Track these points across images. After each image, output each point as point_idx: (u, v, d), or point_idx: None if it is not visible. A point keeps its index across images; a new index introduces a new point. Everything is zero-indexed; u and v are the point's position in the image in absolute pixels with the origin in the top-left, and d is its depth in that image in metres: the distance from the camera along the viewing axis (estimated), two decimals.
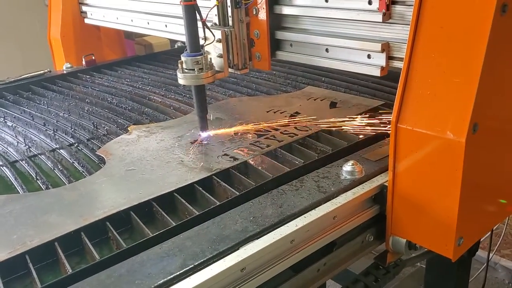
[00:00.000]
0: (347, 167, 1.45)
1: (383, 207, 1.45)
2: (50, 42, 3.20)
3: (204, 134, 1.84)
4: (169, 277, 1.08)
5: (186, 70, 1.73)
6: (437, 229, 1.34)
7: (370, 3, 1.60)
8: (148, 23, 2.63)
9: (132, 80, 2.73)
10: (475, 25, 1.20)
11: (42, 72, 2.86)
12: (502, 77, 1.29)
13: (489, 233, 2.24)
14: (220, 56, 1.82)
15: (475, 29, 1.20)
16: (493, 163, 1.40)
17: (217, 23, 1.86)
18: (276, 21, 1.91)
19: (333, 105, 2.09)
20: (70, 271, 1.17)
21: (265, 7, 1.82)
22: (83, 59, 3.00)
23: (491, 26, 1.17)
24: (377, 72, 1.66)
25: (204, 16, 1.69)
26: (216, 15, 1.84)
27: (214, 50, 1.83)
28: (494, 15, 1.17)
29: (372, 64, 1.68)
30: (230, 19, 1.83)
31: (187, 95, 2.39)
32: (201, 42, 1.75)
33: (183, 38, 2.45)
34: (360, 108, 2.01)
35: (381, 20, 1.59)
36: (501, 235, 3.12)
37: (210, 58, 1.77)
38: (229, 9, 1.82)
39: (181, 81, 1.76)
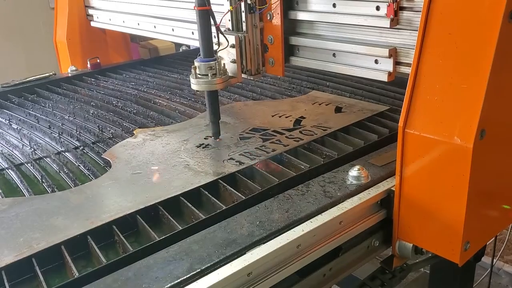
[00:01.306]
0: (353, 172, 1.46)
1: (390, 212, 1.45)
2: (56, 44, 3.21)
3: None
4: (176, 281, 1.08)
5: (199, 75, 1.73)
6: (444, 234, 1.34)
7: (378, 9, 1.61)
8: (154, 26, 2.63)
9: (137, 84, 2.74)
10: (483, 32, 1.20)
11: (47, 74, 2.87)
12: (510, 83, 1.29)
13: (493, 239, 2.24)
14: (233, 61, 1.83)
15: (483, 35, 1.20)
16: (500, 169, 1.40)
17: (231, 28, 1.86)
18: (290, 27, 1.91)
19: (338, 109, 2.09)
20: (77, 274, 1.17)
21: (279, 13, 1.82)
22: (88, 62, 3.01)
23: (498, 33, 1.18)
24: (384, 77, 1.67)
25: (218, 21, 1.69)
26: (229, 20, 1.85)
27: (227, 56, 1.83)
28: (502, 21, 1.17)
29: (379, 69, 1.69)
30: (243, 24, 1.84)
31: (192, 99, 2.39)
32: (215, 47, 1.75)
33: (190, 42, 2.49)
34: (366, 113, 2.01)
35: (388, 26, 1.59)
36: (504, 241, 3.11)
37: (224, 64, 1.78)
38: (243, 15, 1.82)
39: (194, 87, 1.76)
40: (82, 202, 1.48)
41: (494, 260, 3.02)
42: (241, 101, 2.35)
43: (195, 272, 1.10)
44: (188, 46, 3.38)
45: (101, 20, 3.07)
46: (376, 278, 1.65)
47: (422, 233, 1.40)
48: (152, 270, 1.12)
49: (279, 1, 1.81)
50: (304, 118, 2.02)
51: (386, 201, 1.45)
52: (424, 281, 2.24)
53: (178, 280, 1.08)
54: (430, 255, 1.52)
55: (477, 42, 1.22)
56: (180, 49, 3.45)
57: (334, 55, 1.82)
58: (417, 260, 1.57)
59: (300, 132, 1.88)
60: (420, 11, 1.31)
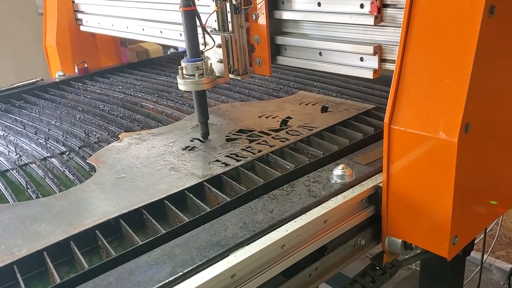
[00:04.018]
0: (338, 171, 1.45)
1: (379, 208, 1.45)
2: (46, 49, 3.19)
3: None
4: (158, 285, 1.06)
5: (187, 76, 1.73)
6: (432, 229, 1.34)
7: (362, 6, 1.60)
8: (143, 29, 2.62)
9: (124, 87, 2.72)
10: (464, 27, 1.20)
11: (34, 80, 2.85)
12: (493, 77, 1.29)
13: (483, 234, 2.24)
14: (220, 61, 1.82)
15: (465, 30, 1.20)
16: (486, 163, 1.39)
17: (217, 28, 1.86)
18: (276, 26, 1.90)
19: (324, 109, 2.08)
20: (59, 280, 1.15)
21: (264, 12, 1.81)
22: (76, 67, 2.99)
23: (479, 27, 1.17)
24: (369, 75, 1.67)
25: (203, 21, 1.68)
26: (215, 20, 1.84)
27: (214, 56, 1.83)
28: (482, 16, 1.17)
29: (364, 67, 1.68)
30: (229, 24, 1.83)
31: (179, 101, 2.38)
32: (201, 47, 1.75)
33: (178, 44, 2.48)
34: (352, 112, 2.00)
35: (373, 23, 1.59)
36: (495, 237, 3.12)
37: (211, 64, 1.77)
38: (229, 15, 1.82)
39: (181, 87, 1.75)
40: (66, 208, 1.46)
41: (485, 256, 3.02)
42: (228, 102, 2.34)
43: (177, 275, 1.09)
44: (176, 49, 3.37)
45: (90, 24, 3.06)
46: (367, 275, 1.65)
47: (411, 228, 1.40)
48: (134, 275, 1.11)
49: (264, 1, 1.80)
50: (291, 118, 2.01)
51: (375, 198, 1.45)
52: (415, 279, 2.24)
53: (160, 284, 1.07)
54: (420, 250, 1.52)
55: (459, 37, 1.21)
56: (168, 52, 3.43)
57: (320, 53, 1.81)
58: (407, 256, 1.56)
59: (287, 132, 1.87)
60: (403, 8, 1.30)
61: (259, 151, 1.72)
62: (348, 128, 1.89)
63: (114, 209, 1.41)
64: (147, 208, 1.41)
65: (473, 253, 1.96)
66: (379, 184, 1.43)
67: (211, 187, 1.51)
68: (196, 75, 1.71)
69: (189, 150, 1.79)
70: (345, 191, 1.40)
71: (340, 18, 1.69)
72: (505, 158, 1.48)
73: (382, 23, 1.59)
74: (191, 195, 1.47)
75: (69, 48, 3.13)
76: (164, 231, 1.29)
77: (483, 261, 2.64)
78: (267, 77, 2.61)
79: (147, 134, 1.97)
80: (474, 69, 1.19)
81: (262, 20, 1.83)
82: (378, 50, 1.62)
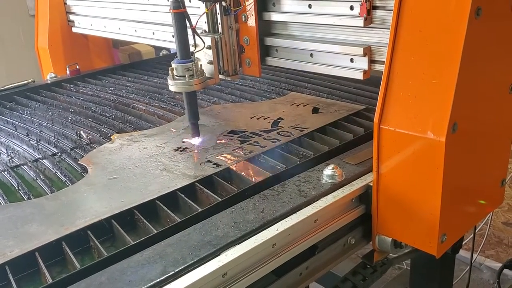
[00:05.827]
0: (328, 171, 1.46)
1: (369, 207, 1.46)
2: (38, 51, 3.19)
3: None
4: (149, 284, 1.07)
5: (177, 77, 1.75)
6: (421, 227, 1.36)
7: (352, 8, 1.62)
8: (135, 30, 2.63)
9: (116, 89, 2.72)
10: (451, 28, 1.22)
11: (25, 82, 2.84)
12: (479, 78, 1.31)
13: (473, 234, 2.26)
14: (210, 62, 1.84)
15: (451, 31, 1.22)
16: (473, 163, 1.41)
17: (207, 30, 1.87)
18: (266, 28, 1.92)
19: (315, 110, 2.09)
20: (50, 280, 1.16)
21: (254, 14, 1.83)
22: (67, 68, 2.99)
23: (466, 29, 1.19)
24: (359, 76, 1.68)
25: (193, 23, 1.70)
26: (205, 22, 1.86)
27: (204, 57, 1.85)
28: (469, 18, 1.19)
29: (355, 68, 1.70)
30: (219, 26, 1.85)
31: (171, 103, 2.39)
32: (191, 49, 1.77)
33: (171, 45, 2.49)
34: (342, 113, 2.01)
35: (362, 25, 1.61)
36: (484, 236, 3.13)
37: (201, 65, 1.79)
38: (219, 17, 1.84)
39: (172, 88, 1.77)
40: (58, 209, 1.46)
41: (475, 255, 3.04)
42: (220, 103, 2.35)
43: (168, 274, 1.10)
44: (169, 50, 3.38)
45: (82, 25, 3.06)
46: (358, 273, 1.66)
47: (400, 227, 1.42)
48: (126, 274, 1.11)
49: (253, 3, 1.81)
50: (282, 119, 2.02)
51: (365, 197, 1.46)
52: (406, 278, 2.25)
53: (152, 283, 1.08)
54: (410, 248, 1.53)
55: (446, 38, 1.23)
56: (160, 53, 3.44)
57: (311, 55, 1.83)
58: (398, 254, 1.58)
59: (278, 133, 1.88)
60: (392, 10, 1.32)
61: (250, 151, 1.74)
62: (339, 128, 1.90)
63: (106, 210, 1.41)
64: (139, 209, 1.42)
65: (463, 253, 1.98)
66: (369, 184, 1.45)
67: (202, 187, 1.52)
68: (186, 76, 1.73)
69: (180, 151, 1.80)
70: (335, 190, 1.41)
71: (330, 20, 1.71)
72: (492, 157, 1.50)
73: (371, 25, 1.61)
74: (182, 195, 1.48)
75: (62, 50, 3.13)
76: (155, 231, 1.30)
77: (473, 260, 2.66)
78: (258, 79, 2.62)
79: (139, 136, 1.98)
80: (461, 70, 1.21)
81: (252, 21, 1.85)
82: (368, 51, 1.65)
